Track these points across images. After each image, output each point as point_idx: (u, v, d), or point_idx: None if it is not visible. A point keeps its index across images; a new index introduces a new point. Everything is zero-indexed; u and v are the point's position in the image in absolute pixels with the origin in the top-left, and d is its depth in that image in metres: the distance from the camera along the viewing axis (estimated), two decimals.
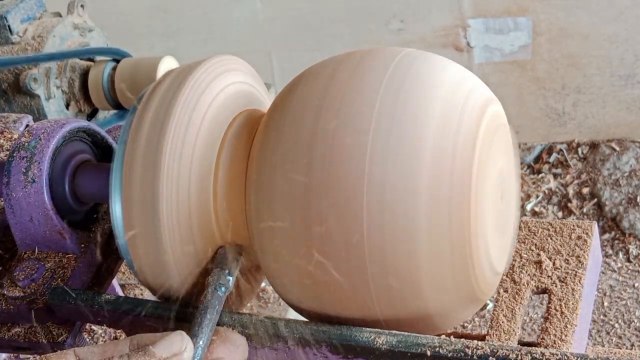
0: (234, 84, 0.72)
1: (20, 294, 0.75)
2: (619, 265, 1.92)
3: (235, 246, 0.70)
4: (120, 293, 1.39)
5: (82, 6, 1.52)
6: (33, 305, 0.75)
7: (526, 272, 0.80)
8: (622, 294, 1.85)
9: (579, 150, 2.15)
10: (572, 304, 0.76)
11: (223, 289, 0.66)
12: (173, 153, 0.66)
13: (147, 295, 0.91)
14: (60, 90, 1.47)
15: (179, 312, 0.69)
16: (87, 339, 1.67)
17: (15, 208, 0.76)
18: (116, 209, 0.68)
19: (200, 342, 0.62)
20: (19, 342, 0.76)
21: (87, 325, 1.20)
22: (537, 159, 2.19)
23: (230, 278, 0.67)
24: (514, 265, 0.81)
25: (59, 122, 0.79)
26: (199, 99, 0.69)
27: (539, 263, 0.80)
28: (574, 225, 0.83)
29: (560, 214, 2.06)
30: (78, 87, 1.49)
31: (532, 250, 0.82)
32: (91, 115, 1.55)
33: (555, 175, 2.14)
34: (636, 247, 1.95)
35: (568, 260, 0.80)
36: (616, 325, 1.79)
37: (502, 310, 0.78)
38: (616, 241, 1.97)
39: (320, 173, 0.62)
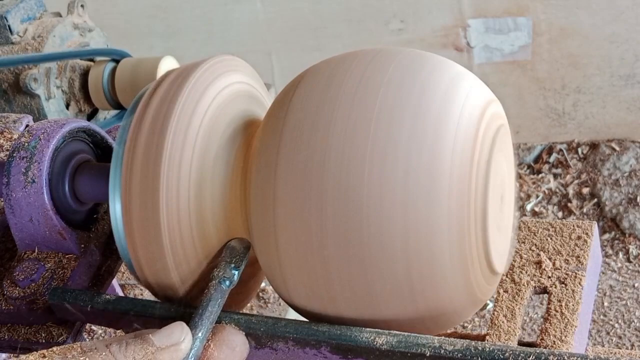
0: (234, 84, 0.72)
1: (20, 294, 0.75)
2: (619, 265, 1.92)
3: (244, 240, 0.70)
4: (120, 293, 1.39)
5: (82, 6, 1.52)
6: (33, 305, 0.75)
7: (526, 272, 0.80)
8: (622, 294, 1.85)
9: (579, 150, 2.15)
10: (572, 304, 0.76)
11: (227, 282, 0.66)
12: (173, 153, 0.66)
13: (147, 295, 0.91)
14: (60, 90, 1.47)
15: (180, 312, 0.69)
16: (87, 339, 1.67)
17: (15, 208, 0.76)
18: (116, 209, 0.68)
19: (199, 334, 0.62)
20: (19, 342, 0.76)
21: (87, 325, 1.20)
22: (537, 159, 2.19)
23: (236, 272, 0.67)
24: (514, 265, 0.81)
25: (59, 122, 0.79)
26: (199, 99, 0.69)
27: (539, 263, 0.80)
28: (574, 225, 0.83)
29: (560, 214, 2.06)
30: (78, 87, 1.49)
31: (532, 250, 0.82)
32: (91, 115, 1.55)
33: (555, 175, 2.14)
34: (636, 247, 1.94)
35: (568, 260, 0.80)
36: (616, 325, 1.79)
37: (502, 310, 0.78)
38: (616, 241, 1.97)
39: (319, 175, 0.63)
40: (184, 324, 0.62)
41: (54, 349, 0.60)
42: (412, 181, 0.62)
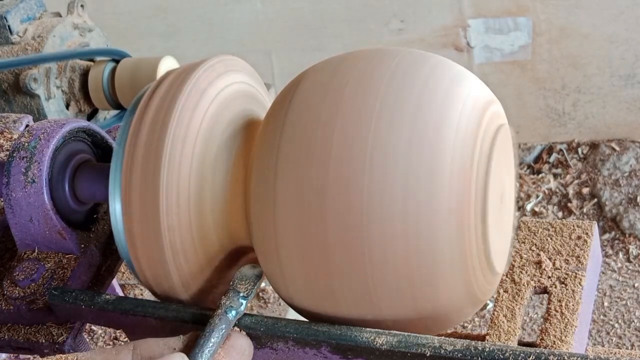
0: (234, 84, 0.73)
1: (20, 294, 0.76)
2: (619, 265, 1.92)
3: (256, 267, 0.69)
4: (120, 293, 1.39)
5: (82, 6, 1.52)
6: (33, 305, 0.75)
7: (526, 272, 0.80)
8: (622, 294, 1.85)
9: (579, 150, 2.15)
10: (572, 304, 0.76)
11: (233, 312, 0.64)
12: (173, 153, 0.66)
13: (147, 295, 0.91)
14: (60, 90, 1.47)
15: (180, 312, 0.69)
16: (87, 339, 1.67)
17: (15, 208, 0.76)
18: (116, 209, 0.68)
19: None
20: (19, 342, 0.76)
21: (87, 326, 1.20)
22: (537, 159, 2.19)
23: (244, 302, 0.65)
24: (514, 265, 0.81)
25: (59, 122, 0.79)
26: (199, 99, 0.69)
27: (539, 263, 0.80)
28: (574, 225, 0.83)
29: (560, 214, 2.06)
30: (78, 87, 1.49)
31: (532, 250, 0.82)
32: (91, 115, 1.55)
33: (555, 175, 2.14)
34: (636, 247, 1.94)
35: (568, 260, 0.80)
36: (616, 325, 1.79)
37: (502, 310, 0.78)
38: (616, 241, 1.97)
39: (319, 175, 0.63)
40: (185, 357, 0.61)
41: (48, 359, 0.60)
42: (412, 181, 0.62)
